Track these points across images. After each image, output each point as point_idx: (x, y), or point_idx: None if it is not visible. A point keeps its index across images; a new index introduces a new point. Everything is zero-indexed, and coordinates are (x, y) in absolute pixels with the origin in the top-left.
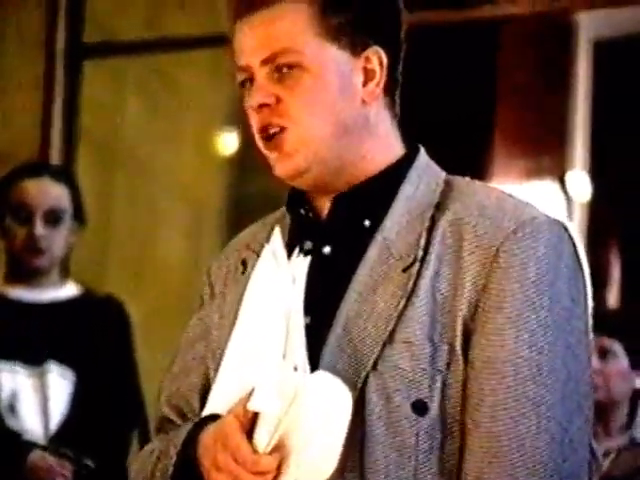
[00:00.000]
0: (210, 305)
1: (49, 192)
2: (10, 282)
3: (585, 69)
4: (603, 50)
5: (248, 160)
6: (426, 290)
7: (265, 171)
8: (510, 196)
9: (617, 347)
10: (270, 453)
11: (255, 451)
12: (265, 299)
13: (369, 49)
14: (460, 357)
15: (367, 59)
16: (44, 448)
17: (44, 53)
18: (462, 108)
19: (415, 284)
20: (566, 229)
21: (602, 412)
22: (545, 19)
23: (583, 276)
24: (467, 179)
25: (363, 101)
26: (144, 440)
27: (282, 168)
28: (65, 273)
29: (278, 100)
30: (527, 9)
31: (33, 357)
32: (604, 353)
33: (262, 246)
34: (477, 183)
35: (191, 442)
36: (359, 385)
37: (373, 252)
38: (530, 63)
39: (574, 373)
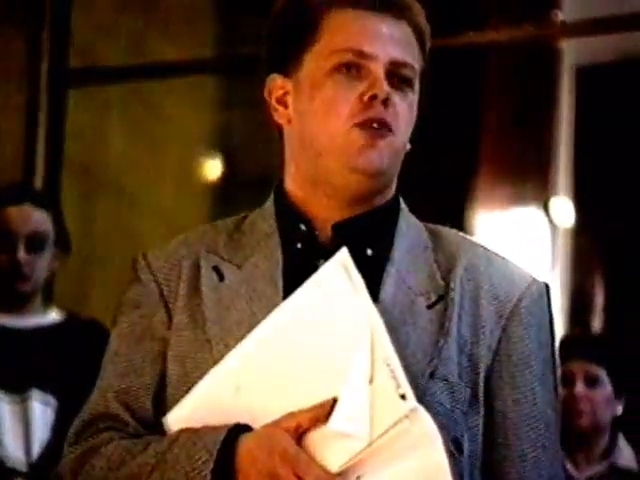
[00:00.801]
0: (159, 304)
1: (31, 217)
2: None
3: (568, 95)
4: (585, 77)
5: (231, 188)
6: (454, 332)
7: (248, 197)
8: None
9: (603, 374)
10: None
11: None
12: (337, 322)
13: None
14: (481, 401)
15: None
16: (25, 476)
17: (28, 80)
18: (446, 135)
19: (443, 323)
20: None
21: (586, 439)
22: (528, 46)
23: None
24: (438, 226)
25: None
26: None
27: (370, 160)
28: (48, 299)
29: (394, 104)
30: (511, 36)
31: (15, 384)
32: (592, 380)
33: (235, 256)
34: (452, 231)
35: (227, 448)
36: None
37: (389, 283)
38: (514, 90)
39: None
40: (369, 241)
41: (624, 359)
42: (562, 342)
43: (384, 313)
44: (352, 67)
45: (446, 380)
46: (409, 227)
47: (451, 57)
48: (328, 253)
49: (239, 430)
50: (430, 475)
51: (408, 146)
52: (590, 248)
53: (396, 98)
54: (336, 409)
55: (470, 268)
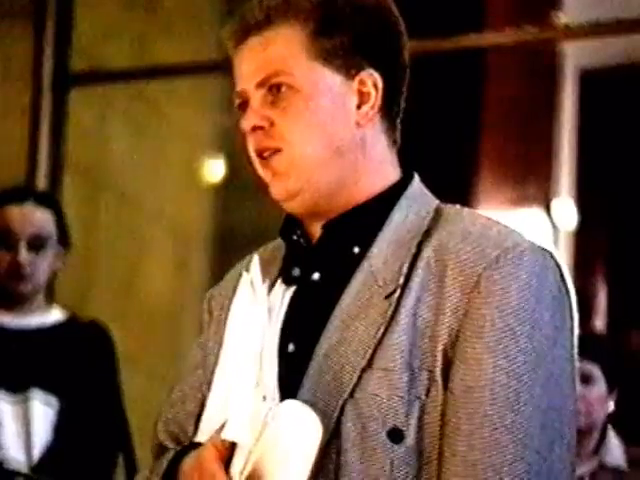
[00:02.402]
0: (208, 331)
1: (33, 218)
2: None
3: (571, 98)
4: (588, 79)
5: (234, 188)
6: (407, 317)
7: (251, 199)
8: (497, 223)
9: (597, 372)
10: None
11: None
12: (241, 330)
13: (363, 72)
14: (440, 384)
15: (361, 82)
16: (27, 477)
17: (31, 81)
18: (448, 136)
19: (395, 311)
20: (552, 256)
21: (579, 437)
22: (531, 49)
23: (569, 304)
24: (457, 207)
25: (357, 124)
26: (129, 466)
27: (275, 190)
28: (50, 299)
29: (271, 123)
30: (513, 38)
31: (16, 384)
32: (587, 378)
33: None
34: (466, 210)
35: (173, 470)
36: (336, 413)
37: (359, 279)
38: (516, 91)
39: (556, 402)
40: (356, 239)
41: (617, 354)
42: None
43: (342, 311)
44: (240, 107)
45: (385, 369)
46: (407, 216)
47: (454, 58)
48: (319, 256)
49: (189, 451)
50: (294, 470)
51: (343, 136)
52: (592, 249)
53: (273, 114)
54: (228, 419)
55: (439, 248)
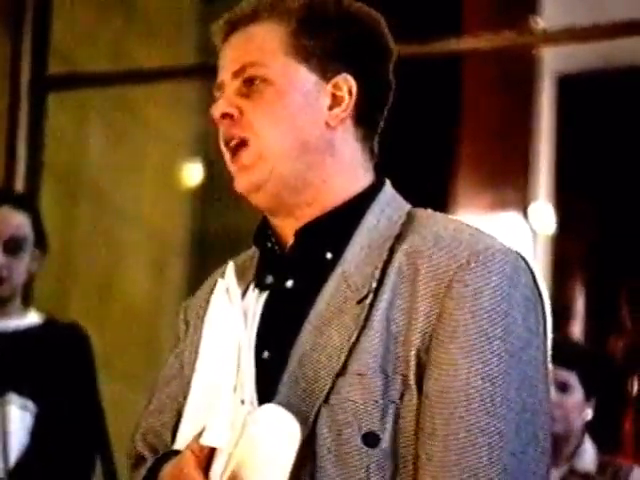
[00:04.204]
0: (184, 342)
1: (9, 221)
2: None
3: (549, 102)
4: (566, 84)
5: (212, 193)
6: (380, 321)
7: (229, 204)
8: (468, 227)
9: (574, 379)
10: None
11: None
12: (218, 336)
13: (339, 76)
14: (414, 389)
15: (336, 85)
16: None
17: (8, 85)
18: (426, 141)
19: (368, 316)
20: (523, 259)
21: (555, 444)
22: (509, 53)
23: (542, 306)
24: (429, 211)
25: (327, 124)
26: (108, 470)
27: (240, 181)
28: (27, 302)
29: (241, 112)
30: (491, 43)
31: None
32: (564, 386)
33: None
34: (438, 215)
35: (152, 478)
36: (311, 419)
37: (331, 285)
38: (494, 96)
39: (530, 403)
40: (329, 245)
41: (594, 362)
42: None
43: (315, 317)
44: (216, 101)
45: (359, 374)
46: (379, 221)
47: (431, 63)
48: (292, 263)
49: (167, 459)
50: (273, 474)
51: (311, 133)
52: (570, 254)
53: (244, 104)
54: (207, 424)
55: (411, 252)
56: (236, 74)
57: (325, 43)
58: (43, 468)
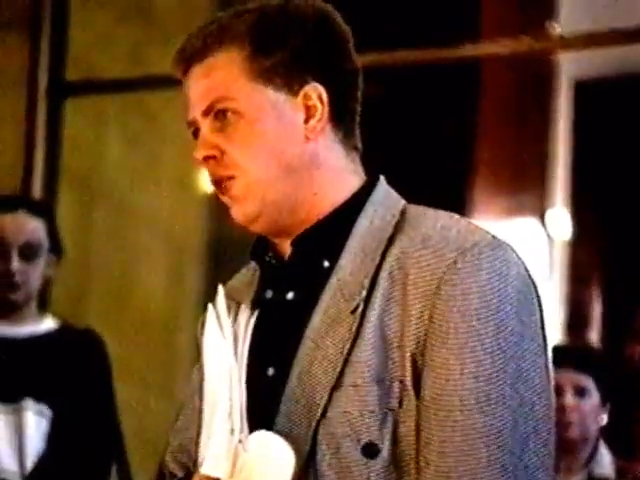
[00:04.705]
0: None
1: (25, 226)
2: None
3: (566, 108)
4: (584, 89)
5: None
6: (373, 330)
7: None
8: (458, 222)
9: (591, 384)
10: None
11: None
12: (213, 364)
13: (307, 86)
14: (412, 393)
15: (306, 96)
16: None
17: (27, 91)
18: (443, 146)
19: (360, 325)
20: (512, 250)
21: (572, 449)
22: (526, 59)
23: (535, 296)
24: (421, 208)
25: (306, 138)
26: (123, 476)
27: (235, 214)
28: (43, 307)
29: (222, 151)
30: (509, 49)
31: (9, 394)
32: (581, 390)
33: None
34: (430, 212)
35: None
36: (310, 435)
37: (327, 295)
38: (511, 102)
39: (528, 397)
40: (325, 252)
41: (610, 368)
42: (550, 352)
43: (312, 330)
44: (195, 134)
45: (355, 385)
46: (372, 222)
47: (449, 69)
48: (291, 274)
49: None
50: None
51: (292, 153)
52: (587, 260)
53: (222, 142)
54: (205, 454)
55: (401, 255)
56: (206, 112)
57: (283, 57)
58: (59, 473)
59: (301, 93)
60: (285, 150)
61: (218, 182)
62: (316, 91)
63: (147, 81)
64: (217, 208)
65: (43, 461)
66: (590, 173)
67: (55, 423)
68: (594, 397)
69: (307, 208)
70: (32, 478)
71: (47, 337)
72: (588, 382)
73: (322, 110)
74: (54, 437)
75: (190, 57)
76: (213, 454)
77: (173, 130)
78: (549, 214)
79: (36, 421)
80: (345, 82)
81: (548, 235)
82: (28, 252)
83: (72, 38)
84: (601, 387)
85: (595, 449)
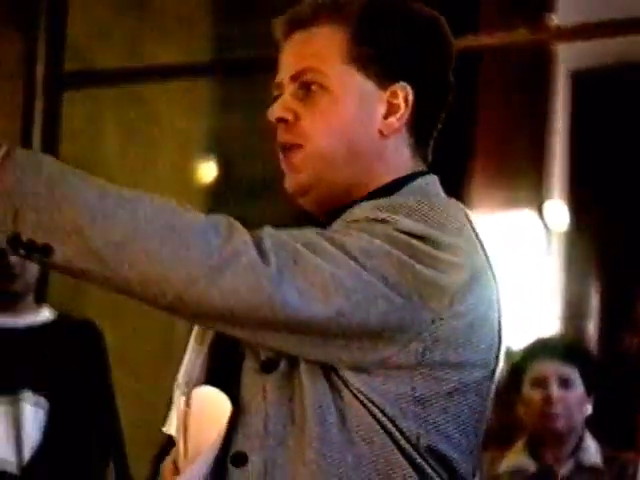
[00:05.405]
0: None
1: None
2: None
3: (563, 99)
4: (581, 80)
5: (225, 190)
6: None
7: (242, 202)
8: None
9: (576, 375)
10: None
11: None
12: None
13: (397, 84)
14: None
15: (393, 93)
16: (17, 478)
17: (24, 82)
18: (441, 138)
19: None
20: None
21: (558, 439)
22: (525, 50)
23: None
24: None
25: (380, 132)
26: (120, 466)
27: (288, 183)
28: (40, 299)
29: (297, 117)
30: (507, 40)
31: (6, 385)
32: (566, 382)
33: None
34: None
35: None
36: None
37: None
38: (509, 93)
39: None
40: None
41: (594, 358)
42: (535, 344)
43: None
44: (275, 100)
45: None
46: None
47: None
48: None
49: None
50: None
51: (363, 141)
52: (584, 251)
53: (300, 109)
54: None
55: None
56: (294, 78)
57: (383, 50)
58: (56, 464)
59: (390, 89)
60: (357, 136)
61: (283, 147)
62: (404, 91)
63: (144, 72)
64: (213, 200)
65: (40, 452)
66: (588, 165)
67: (52, 414)
68: (579, 388)
69: (355, 195)
70: (30, 469)
71: (45, 328)
72: (573, 373)
73: (404, 111)
74: (51, 428)
75: (297, 23)
76: (170, 416)
77: (170, 121)
78: (546, 206)
79: (34, 412)
80: (434, 93)
81: (545, 226)
82: None
83: (69, 30)
84: (586, 378)
85: (581, 439)
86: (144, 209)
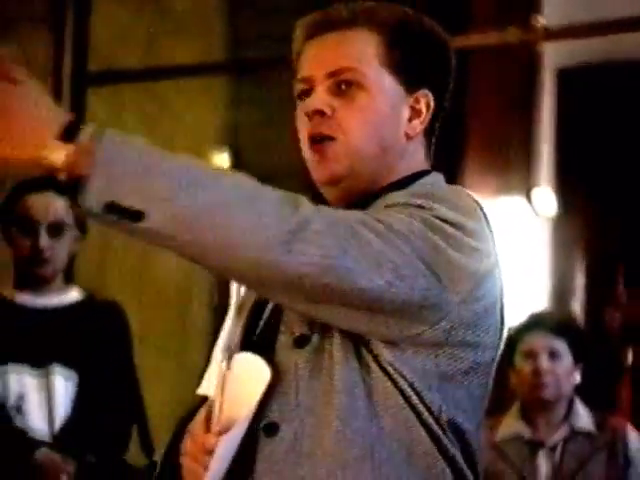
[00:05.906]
0: None
1: (53, 206)
2: (17, 289)
3: (550, 94)
4: (566, 77)
5: None
6: None
7: None
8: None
9: (564, 347)
10: (219, 432)
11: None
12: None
13: (421, 91)
14: None
15: (417, 99)
16: (49, 445)
17: (52, 80)
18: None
19: None
20: None
21: (548, 407)
22: (513, 49)
23: None
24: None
25: (406, 134)
26: (144, 436)
27: (322, 172)
28: (69, 280)
29: (333, 111)
30: (496, 40)
31: (38, 359)
32: (554, 353)
33: None
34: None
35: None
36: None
37: None
38: (499, 88)
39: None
40: None
41: (582, 331)
42: (527, 319)
43: None
44: (303, 93)
45: None
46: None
47: None
48: None
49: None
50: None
51: (391, 139)
52: (571, 236)
53: (338, 104)
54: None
55: None
56: (331, 75)
57: (412, 58)
58: (86, 433)
59: (414, 95)
60: (388, 133)
61: (315, 138)
62: (426, 98)
63: (163, 71)
64: None
65: (70, 422)
66: (573, 154)
67: (81, 386)
68: (567, 359)
69: (376, 189)
70: (60, 437)
71: (73, 307)
72: (561, 345)
73: (425, 116)
74: (80, 399)
75: (333, 23)
76: (206, 378)
77: (188, 118)
78: (535, 192)
79: (64, 385)
80: (446, 101)
81: (534, 212)
82: (55, 229)
83: (93, 32)
84: (574, 349)
85: (571, 405)
86: (227, 180)
